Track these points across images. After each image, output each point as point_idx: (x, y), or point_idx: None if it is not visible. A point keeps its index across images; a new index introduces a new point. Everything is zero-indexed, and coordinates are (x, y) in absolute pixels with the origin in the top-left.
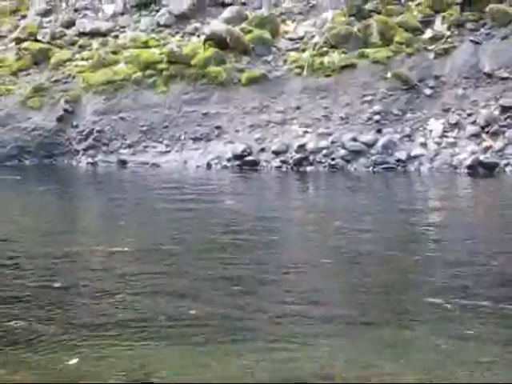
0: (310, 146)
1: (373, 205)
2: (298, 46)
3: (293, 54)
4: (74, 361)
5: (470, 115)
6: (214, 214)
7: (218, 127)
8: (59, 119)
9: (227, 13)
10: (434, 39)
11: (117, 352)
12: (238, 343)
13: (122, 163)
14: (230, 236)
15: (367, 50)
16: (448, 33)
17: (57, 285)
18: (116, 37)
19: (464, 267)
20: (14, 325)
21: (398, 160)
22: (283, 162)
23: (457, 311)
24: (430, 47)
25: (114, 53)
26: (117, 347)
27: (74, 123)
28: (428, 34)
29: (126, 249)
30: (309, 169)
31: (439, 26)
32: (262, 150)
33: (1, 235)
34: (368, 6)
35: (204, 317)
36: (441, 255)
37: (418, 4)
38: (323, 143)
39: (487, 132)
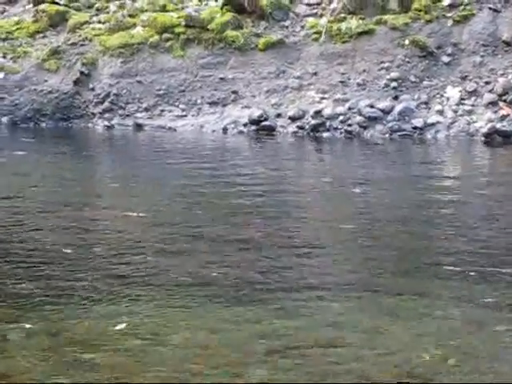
0: (327, 112)
1: (390, 171)
2: (315, 11)
3: (310, 19)
4: (122, 326)
5: (487, 83)
6: (230, 178)
7: (234, 92)
8: (76, 82)
9: None
10: (453, 6)
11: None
12: (255, 307)
13: (139, 127)
14: (248, 200)
15: (385, 17)
16: (467, 0)
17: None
18: (134, 0)
19: (483, 234)
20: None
21: (415, 127)
22: (299, 127)
23: (477, 279)
24: (448, 14)
25: (132, 16)
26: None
27: (91, 86)
28: (447, 1)
29: (140, 214)
30: (325, 135)
31: None
32: (279, 115)
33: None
34: None
35: (222, 279)
36: (459, 222)
37: None
38: (340, 109)
39: (504, 100)
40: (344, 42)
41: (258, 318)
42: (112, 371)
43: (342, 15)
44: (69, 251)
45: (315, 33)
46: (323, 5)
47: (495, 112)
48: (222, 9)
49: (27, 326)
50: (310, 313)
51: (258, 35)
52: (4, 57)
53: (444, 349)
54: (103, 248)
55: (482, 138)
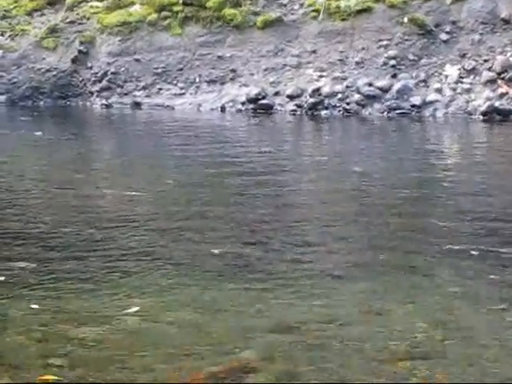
0: (325, 90)
1: (388, 150)
2: None
3: None
4: (135, 309)
5: (486, 61)
6: (228, 156)
7: (232, 70)
8: (73, 60)
9: None
10: None
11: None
12: (254, 284)
13: (137, 105)
14: (247, 178)
15: None
16: None
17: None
18: None
19: (484, 213)
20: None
21: (413, 105)
22: (298, 105)
23: (479, 258)
24: None
25: None
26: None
27: (89, 64)
28: None
29: (139, 193)
30: (323, 113)
31: None
32: (277, 93)
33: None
34: None
35: (222, 256)
36: (460, 200)
37: None
38: (338, 87)
39: (503, 78)
40: (342, 20)
41: (259, 297)
42: (109, 349)
43: None
44: (67, 230)
45: (313, 11)
46: None
47: (494, 90)
48: None
49: (32, 306)
50: (310, 292)
51: (256, 13)
52: (2, 35)
53: (444, 327)
54: (101, 228)
55: (481, 117)
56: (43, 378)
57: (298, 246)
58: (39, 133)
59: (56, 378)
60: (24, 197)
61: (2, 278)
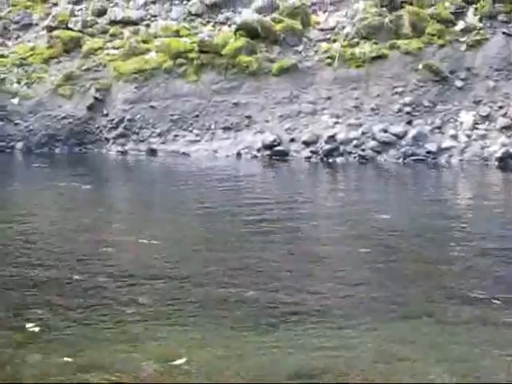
0: (340, 136)
1: (406, 197)
2: (329, 36)
3: (324, 44)
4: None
5: (501, 107)
6: (244, 204)
7: (248, 117)
8: (89, 108)
9: (259, 2)
10: (466, 31)
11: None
12: (276, 328)
13: (152, 152)
14: (266, 225)
15: (398, 42)
16: (480, 25)
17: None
18: (147, 25)
19: (502, 260)
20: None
21: (429, 152)
22: (313, 152)
23: (500, 304)
24: (461, 39)
25: (145, 42)
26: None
27: (105, 112)
28: (460, 25)
29: (156, 241)
30: (339, 160)
31: (471, 17)
32: (292, 140)
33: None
34: None
35: (239, 301)
36: (477, 248)
37: None
38: (353, 134)
39: None
40: (357, 67)
41: (279, 343)
42: None
43: (356, 40)
44: (78, 277)
45: (328, 57)
46: (336, 30)
47: (509, 136)
48: (235, 34)
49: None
50: (330, 336)
51: (271, 60)
52: (18, 82)
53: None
54: (115, 274)
55: (496, 163)
56: None
57: (315, 290)
58: (87, 186)
59: None
60: (36, 240)
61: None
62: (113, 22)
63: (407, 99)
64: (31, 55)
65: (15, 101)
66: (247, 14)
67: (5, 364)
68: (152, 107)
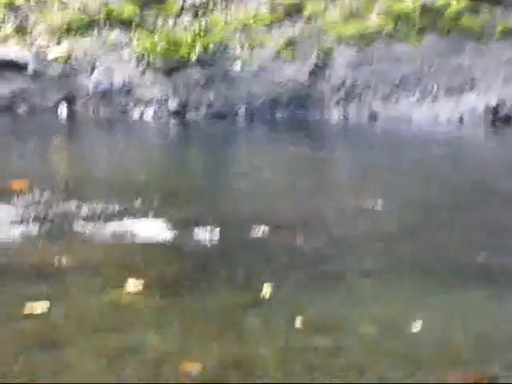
0: None
1: None
2: None
3: None
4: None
5: None
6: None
7: (471, 79)
8: (311, 72)
9: None
10: None
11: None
12: None
13: (373, 116)
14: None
15: None
16: None
17: None
18: None
19: None
20: None
21: None
22: None
23: None
24: None
25: (366, 4)
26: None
27: (326, 76)
28: None
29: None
30: None
31: None
32: None
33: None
34: None
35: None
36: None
37: None
38: None
39: None
40: None
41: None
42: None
43: None
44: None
45: None
46: None
47: None
48: None
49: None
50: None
51: (494, 21)
52: (241, 47)
53: None
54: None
55: None
56: None
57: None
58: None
59: None
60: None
61: None
62: None
63: None
64: (254, 21)
65: (237, 66)
66: None
67: (234, 324)
68: (373, 71)
